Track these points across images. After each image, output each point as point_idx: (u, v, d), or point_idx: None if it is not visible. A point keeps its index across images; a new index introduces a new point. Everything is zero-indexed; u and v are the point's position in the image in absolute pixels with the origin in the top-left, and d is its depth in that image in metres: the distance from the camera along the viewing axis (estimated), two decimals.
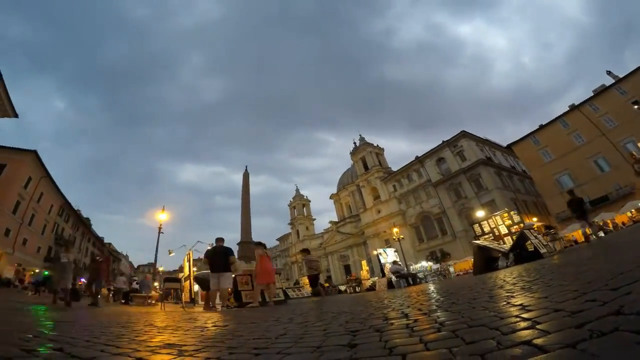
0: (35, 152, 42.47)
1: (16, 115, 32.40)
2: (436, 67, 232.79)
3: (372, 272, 42.97)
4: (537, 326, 1.58)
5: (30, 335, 2.94)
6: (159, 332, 2.94)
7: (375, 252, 32.90)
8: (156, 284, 26.72)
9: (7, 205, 38.41)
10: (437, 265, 37.97)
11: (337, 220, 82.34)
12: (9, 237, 38.76)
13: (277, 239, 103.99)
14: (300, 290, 27.38)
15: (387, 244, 51.45)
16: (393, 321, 2.71)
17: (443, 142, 55.76)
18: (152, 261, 22.42)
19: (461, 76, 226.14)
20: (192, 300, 10.43)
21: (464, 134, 53.84)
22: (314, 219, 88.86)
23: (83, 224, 66.93)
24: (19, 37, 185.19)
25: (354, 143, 77.79)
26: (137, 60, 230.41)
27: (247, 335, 2.52)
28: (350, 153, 77.33)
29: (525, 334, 1.49)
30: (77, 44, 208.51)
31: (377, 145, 75.52)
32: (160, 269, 50.16)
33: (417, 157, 59.53)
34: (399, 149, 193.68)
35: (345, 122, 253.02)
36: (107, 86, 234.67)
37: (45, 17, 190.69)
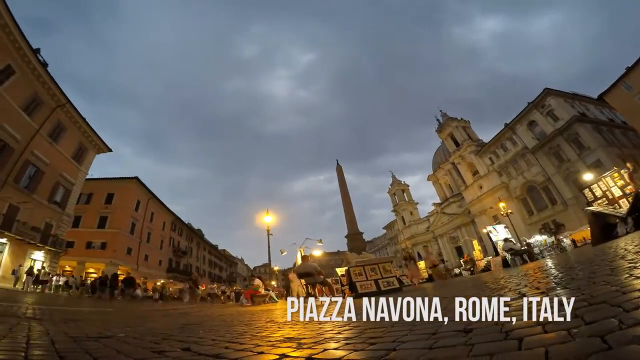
0: (137, 178, 47.62)
1: (110, 150, 38.42)
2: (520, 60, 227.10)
3: (484, 252, 41.36)
4: None
5: (160, 338, 3.21)
6: (279, 328, 3.08)
7: (484, 230, 31.69)
8: (273, 282, 28.12)
9: (124, 228, 43.69)
10: (552, 238, 35.44)
11: (440, 201, 79.41)
12: (131, 254, 44.15)
13: (384, 227, 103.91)
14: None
15: (496, 220, 48.36)
16: (510, 303, 2.65)
17: (528, 103, 50.72)
18: (267, 262, 23.88)
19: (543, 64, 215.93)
20: (310, 295, 10.81)
21: (548, 92, 48.48)
22: (417, 203, 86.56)
23: (196, 235, 72.39)
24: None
25: (437, 120, 74.31)
26: (251, 93, 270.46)
27: (363, 325, 2.59)
28: (436, 131, 73.94)
29: None
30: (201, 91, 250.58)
31: (462, 118, 71.18)
32: (275, 268, 52.47)
33: (506, 125, 54.95)
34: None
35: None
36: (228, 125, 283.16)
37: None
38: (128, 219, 45.30)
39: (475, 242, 41.74)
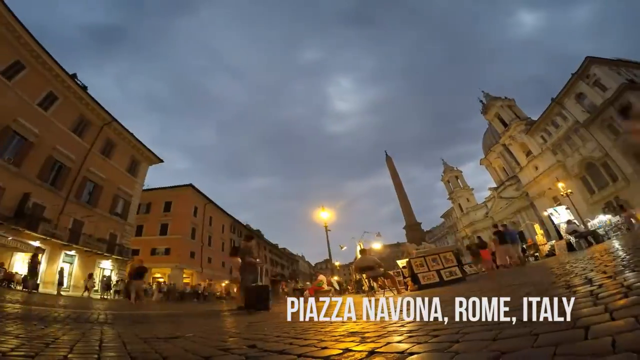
0: (191, 185, 49.45)
1: (161, 161, 40.23)
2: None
3: (547, 235, 39.72)
4: None
5: (227, 336, 3.35)
6: (342, 323, 3.11)
7: (545, 213, 30.48)
8: (336, 277, 28.40)
9: (185, 233, 45.55)
10: (617, 218, 33.49)
11: (495, 185, 75.83)
12: (194, 258, 45.90)
13: (441, 216, 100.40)
14: (477, 266, 26.75)
15: (556, 201, 45.66)
16: (576, 289, 2.58)
17: (572, 75, 46.95)
18: (327, 258, 24.34)
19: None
20: (372, 289, 10.83)
21: (590, 60, 44.68)
22: (472, 189, 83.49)
23: (256, 235, 74.39)
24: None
25: (481, 101, 70.72)
26: (317, 96, 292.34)
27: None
28: (482, 112, 70.20)
29: None
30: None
31: (506, 97, 67.33)
32: (337, 263, 52.68)
33: (552, 99, 51.20)
34: None
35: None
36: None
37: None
38: (188, 224, 47.18)
39: (537, 226, 39.89)
